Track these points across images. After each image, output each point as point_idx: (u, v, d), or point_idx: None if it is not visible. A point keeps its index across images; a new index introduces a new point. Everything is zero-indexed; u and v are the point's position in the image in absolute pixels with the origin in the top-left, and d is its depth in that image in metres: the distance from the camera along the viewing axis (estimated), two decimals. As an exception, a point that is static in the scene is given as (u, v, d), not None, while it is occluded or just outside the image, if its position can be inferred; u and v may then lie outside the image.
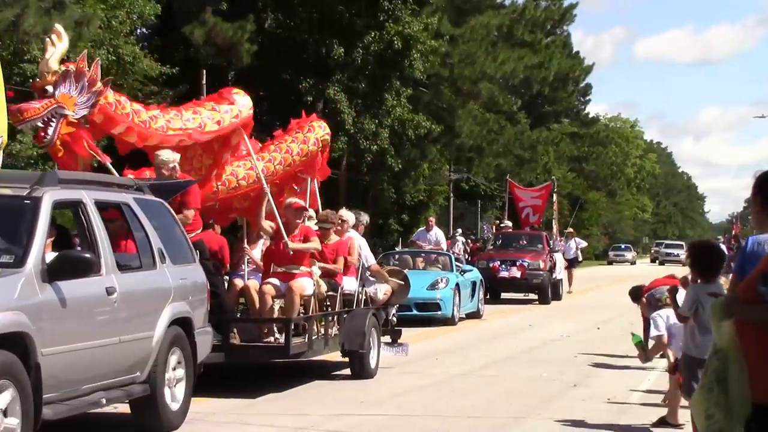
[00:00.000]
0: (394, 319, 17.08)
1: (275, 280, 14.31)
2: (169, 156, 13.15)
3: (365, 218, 16.95)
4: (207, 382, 12.98)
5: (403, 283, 16.89)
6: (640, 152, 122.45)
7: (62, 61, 12.33)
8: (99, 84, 12.34)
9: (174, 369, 11.37)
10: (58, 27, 12.40)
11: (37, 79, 12.53)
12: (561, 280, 35.65)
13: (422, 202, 52.99)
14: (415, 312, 24.35)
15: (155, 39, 42.77)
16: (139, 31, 40.42)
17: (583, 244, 38.14)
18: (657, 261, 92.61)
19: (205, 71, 37.59)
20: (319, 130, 15.67)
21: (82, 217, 10.33)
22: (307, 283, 14.39)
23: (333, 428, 11.80)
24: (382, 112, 42.84)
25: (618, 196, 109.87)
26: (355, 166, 45.14)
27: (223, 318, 13.63)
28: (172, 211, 12.04)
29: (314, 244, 14.69)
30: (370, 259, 16.29)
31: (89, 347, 9.87)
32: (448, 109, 48.45)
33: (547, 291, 33.47)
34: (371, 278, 16.38)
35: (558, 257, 35.39)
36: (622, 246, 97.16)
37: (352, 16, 42.38)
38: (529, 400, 14.03)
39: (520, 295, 34.70)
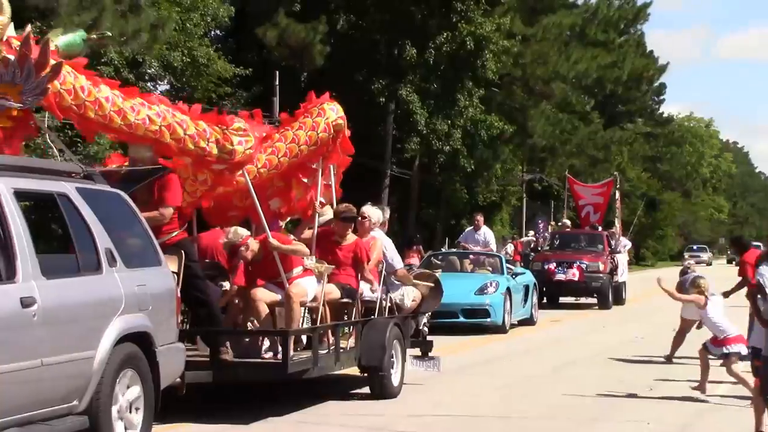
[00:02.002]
0: (426, 328, 14.26)
1: (270, 284, 11.60)
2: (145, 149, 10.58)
3: (387, 213, 14.00)
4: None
5: (434, 286, 13.97)
6: (715, 152, 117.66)
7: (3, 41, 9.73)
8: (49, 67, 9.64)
9: (126, 396, 8.71)
10: None
11: None
12: (624, 282, 32.03)
13: (495, 202, 50.49)
14: (462, 319, 21.38)
15: (229, 41, 41.71)
16: (213, 33, 39.36)
17: (628, 244, 34.24)
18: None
19: (278, 72, 35.88)
20: (330, 114, 12.70)
21: (-5, 211, 7.76)
22: (308, 285, 11.70)
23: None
24: (454, 112, 41.60)
25: (693, 196, 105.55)
26: (427, 166, 43.51)
27: (210, 330, 10.97)
28: (132, 205, 9.40)
29: (301, 247, 11.92)
30: (396, 261, 13.51)
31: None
32: (520, 109, 46.18)
33: (607, 295, 29.78)
34: (396, 282, 13.58)
35: (621, 258, 31.79)
36: (697, 247, 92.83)
37: (424, 16, 40.97)
38: (600, 403, 12.90)
39: (580, 300, 31.41)
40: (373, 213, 13.29)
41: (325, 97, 12.89)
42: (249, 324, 11.68)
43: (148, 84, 33.62)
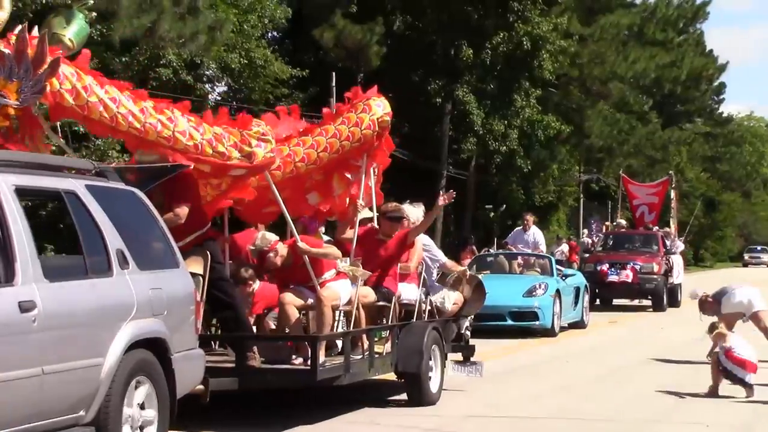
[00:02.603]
0: (468, 332, 13.48)
1: (300, 288, 10.93)
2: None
3: (421, 212, 13.21)
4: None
5: (477, 288, 13.22)
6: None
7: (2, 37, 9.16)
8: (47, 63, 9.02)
9: (139, 405, 8.09)
10: None
11: None
12: (680, 284, 30.85)
13: (551, 203, 49.60)
14: (509, 322, 20.49)
15: (286, 42, 41.49)
16: (270, 34, 39.22)
17: (681, 246, 32.87)
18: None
19: (334, 74, 35.65)
20: (376, 110, 11.91)
21: (-7, 208, 7.17)
22: (340, 288, 11.01)
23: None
24: (511, 112, 41.26)
25: (753, 196, 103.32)
26: (484, 167, 43.03)
27: (237, 335, 10.34)
28: (149, 204, 8.76)
29: (331, 250, 11.20)
30: (440, 255, 12.76)
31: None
32: (577, 110, 45.34)
33: (662, 297, 28.61)
34: (437, 285, 12.85)
35: (676, 259, 30.59)
36: (758, 248, 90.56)
37: (481, 17, 40.61)
38: (658, 405, 12.43)
39: (634, 302, 30.42)
40: (412, 212, 12.57)
41: (373, 92, 12.16)
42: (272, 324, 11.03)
43: (206, 86, 33.36)
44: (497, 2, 40.62)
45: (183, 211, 9.97)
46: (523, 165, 42.25)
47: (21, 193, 7.42)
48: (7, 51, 8.97)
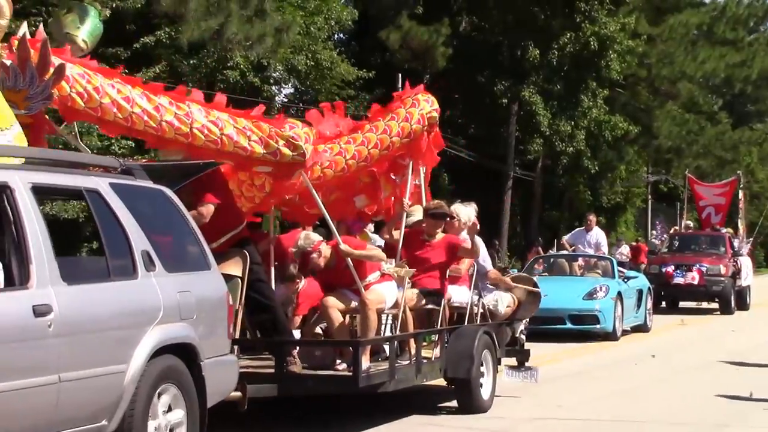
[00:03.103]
0: (523, 336, 12.87)
1: (344, 291, 10.42)
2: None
3: (475, 211, 12.58)
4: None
5: (532, 291, 12.61)
6: None
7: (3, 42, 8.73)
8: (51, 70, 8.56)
9: (166, 413, 7.62)
10: None
11: None
12: (748, 287, 29.73)
13: (619, 204, 48.60)
14: (569, 325, 19.74)
15: (352, 44, 41.21)
16: (336, 36, 39.00)
17: (746, 248, 31.66)
18: None
19: (400, 75, 35.49)
20: (425, 105, 11.44)
21: (8, 208, 6.73)
22: (385, 291, 10.47)
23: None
24: (578, 113, 40.77)
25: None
26: (550, 168, 42.22)
27: (275, 339, 9.85)
28: (178, 203, 8.29)
29: (375, 252, 10.67)
30: (487, 263, 12.20)
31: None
32: (645, 110, 44.38)
33: (729, 299, 27.57)
34: (490, 286, 12.26)
35: (744, 262, 29.55)
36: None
37: (547, 17, 40.04)
38: (726, 409, 12.01)
39: (701, 305, 29.41)
40: (464, 212, 11.98)
41: (419, 89, 11.68)
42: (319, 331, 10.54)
43: (273, 88, 33.24)
44: (564, 2, 40.13)
45: (207, 209, 9.50)
46: (591, 166, 41.53)
47: (38, 191, 6.99)
48: (9, 62, 8.54)
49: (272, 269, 11.02)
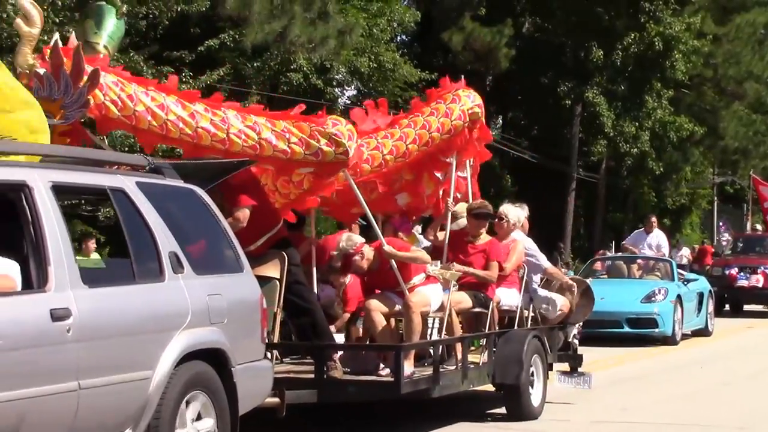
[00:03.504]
0: (576, 341, 12.38)
1: (388, 293, 10.01)
2: None
3: (526, 212, 12.09)
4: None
5: (585, 294, 12.11)
6: None
7: (36, 52, 8.45)
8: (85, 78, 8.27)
9: (195, 421, 7.27)
10: (24, 2, 8.28)
11: None
12: None
13: (684, 206, 47.66)
14: (626, 329, 19.12)
15: (415, 45, 40.88)
16: (399, 38, 38.70)
17: None
18: None
19: (463, 76, 34.52)
20: (466, 101, 11.02)
21: (26, 207, 6.43)
22: (431, 294, 10.05)
23: None
24: (642, 114, 40.34)
25: None
26: (614, 169, 41.55)
27: (314, 344, 9.47)
28: (210, 203, 7.93)
29: (420, 254, 10.22)
30: (542, 260, 11.73)
31: (11, 399, 5.94)
32: (711, 111, 43.49)
33: None
34: (541, 291, 11.79)
35: None
36: None
37: (611, 17, 39.51)
38: None
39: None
40: (512, 212, 11.54)
41: (460, 84, 11.26)
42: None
43: (336, 90, 33.10)
44: (628, 2, 39.62)
45: (243, 214, 9.16)
46: (655, 167, 40.87)
47: (59, 190, 6.66)
48: (42, 71, 8.30)
49: (314, 271, 10.65)
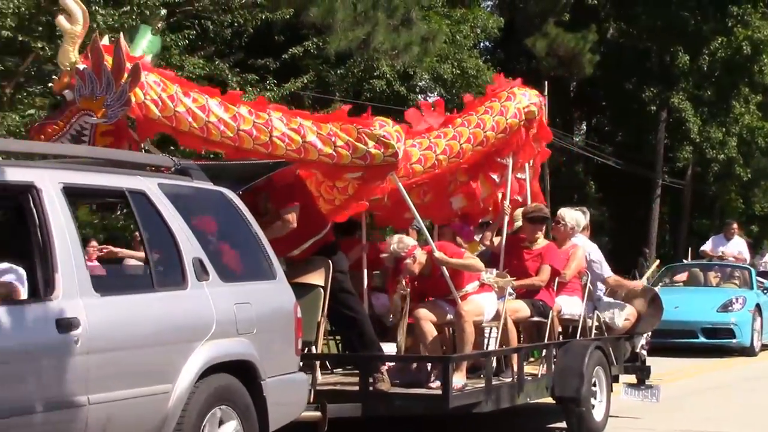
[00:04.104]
0: (644, 352, 11.63)
1: (439, 301, 9.41)
2: None
3: (587, 217, 11.35)
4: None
5: (652, 302, 11.36)
6: None
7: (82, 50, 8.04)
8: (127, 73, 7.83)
9: (221, 438, 6.75)
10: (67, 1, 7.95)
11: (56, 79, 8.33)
12: None
13: (773, 212, 46.11)
14: (702, 339, 18.19)
15: (498, 51, 40.15)
16: (482, 44, 37.96)
17: None
18: None
19: (546, 82, 34.58)
20: (521, 98, 10.39)
21: (33, 210, 5.97)
22: (484, 302, 9.43)
23: None
24: (729, 120, 39.38)
25: None
26: (701, 175, 40.45)
27: (357, 355, 8.90)
28: (241, 206, 7.41)
29: (473, 261, 9.53)
30: (604, 268, 11.03)
31: (14, 414, 5.49)
32: (802, 116, 41.76)
33: None
34: (606, 299, 11.09)
35: None
36: None
37: (697, 22, 38.37)
38: None
39: None
40: (570, 215, 10.85)
41: (516, 82, 10.64)
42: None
43: (419, 96, 32.70)
44: (715, 7, 38.79)
45: (292, 216, 8.60)
46: (743, 173, 39.86)
47: (71, 192, 6.19)
48: (83, 66, 7.92)
49: (365, 278, 10.08)
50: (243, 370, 6.96)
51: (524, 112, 10.33)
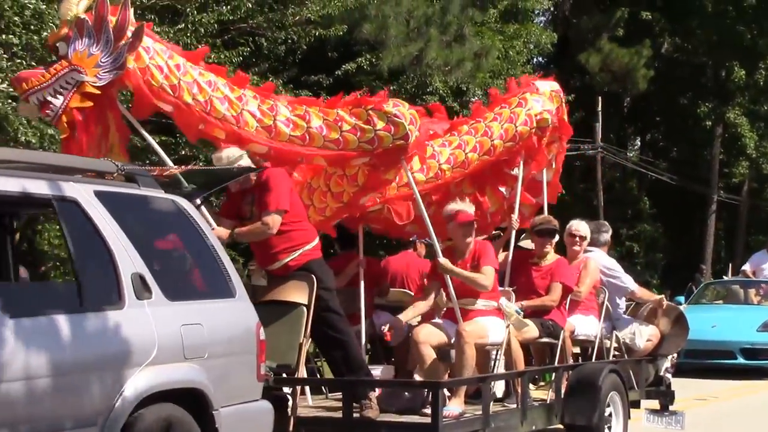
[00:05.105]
0: (669, 375, 10.57)
1: (441, 321, 8.48)
2: (229, 152, 7.64)
3: (606, 235, 10.36)
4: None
5: (677, 322, 10.33)
6: None
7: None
8: (129, 34, 7.11)
9: (163, 476, 5.87)
10: None
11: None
12: None
13: (835, 230, 44.41)
14: (741, 360, 16.83)
15: (551, 67, 39.03)
16: (535, 60, 36.94)
17: None
18: None
19: (600, 98, 33.45)
20: (533, 104, 9.51)
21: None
22: (490, 326, 8.48)
23: None
24: None
25: None
26: (757, 191, 39.01)
27: (341, 379, 8.00)
28: (194, 216, 6.52)
29: (483, 277, 8.50)
30: (628, 281, 10.03)
31: None
32: None
33: None
34: (626, 318, 10.08)
35: None
36: None
37: (753, 36, 36.57)
38: None
39: None
40: (584, 227, 9.87)
41: (531, 87, 9.71)
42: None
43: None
44: (772, 20, 37.15)
45: (273, 220, 7.67)
46: (801, 190, 38.17)
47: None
48: (84, 16, 7.19)
49: (362, 295, 9.19)
50: (191, 400, 6.10)
51: (536, 119, 9.44)
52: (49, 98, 7.10)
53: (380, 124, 8.00)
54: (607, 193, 35.96)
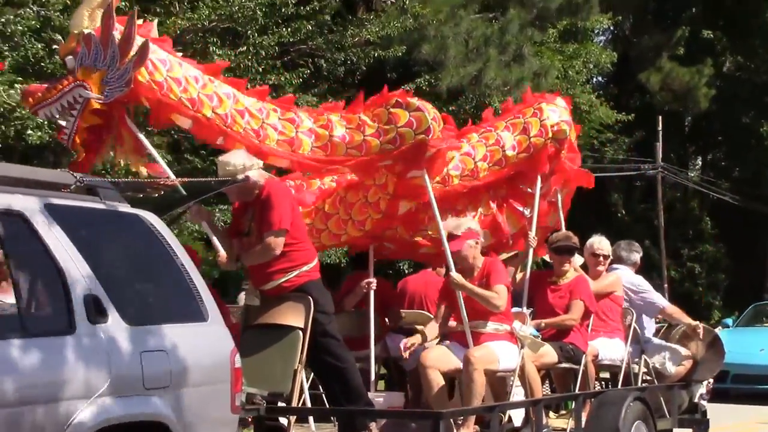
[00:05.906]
0: (704, 402, 9.74)
1: (450, 345, 7.81)
2: (235, 160, 7.12)
3: (637, 255, 9.55)
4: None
5: (712, 345, 9.52)
6: None
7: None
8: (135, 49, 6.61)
9: None
10: None
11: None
12: None
13: None
14: None
15: (611, 86, 38.41)
16: (595, 79, 36.28)
17: None
18: None
19: (660, 117, 32.65)
20: (549, 115, 8.76)
21: None
22: (500, 351, 7.76)
23: None
24: None
25: None
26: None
27: (337, 409, 7.34)
28: (162, 232, 5.87)
29: (497, 297, 7.75)
30: (657, 298, 9.26)
31: None
32: None
33: None
34: (657, 341, 9.30)
35: None
36: None
37: (817, 54, 35.32)
38: None
39: None
40: (606, 244, 9.12)
41: (549, 97, 9.04)
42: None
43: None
44: (834, 38, 36.04)
45: (274, 240, 7.08)
46: None
47: None
48: (91, 31, 6.75)
49: (371, 318, 8.53)
50: (153, 433, 5.51)
51: (552, 130, 8.71)
52: (60, 121, 6.77)
53: (403, 120, 7.53)
54: (668, 213, 35.10)
